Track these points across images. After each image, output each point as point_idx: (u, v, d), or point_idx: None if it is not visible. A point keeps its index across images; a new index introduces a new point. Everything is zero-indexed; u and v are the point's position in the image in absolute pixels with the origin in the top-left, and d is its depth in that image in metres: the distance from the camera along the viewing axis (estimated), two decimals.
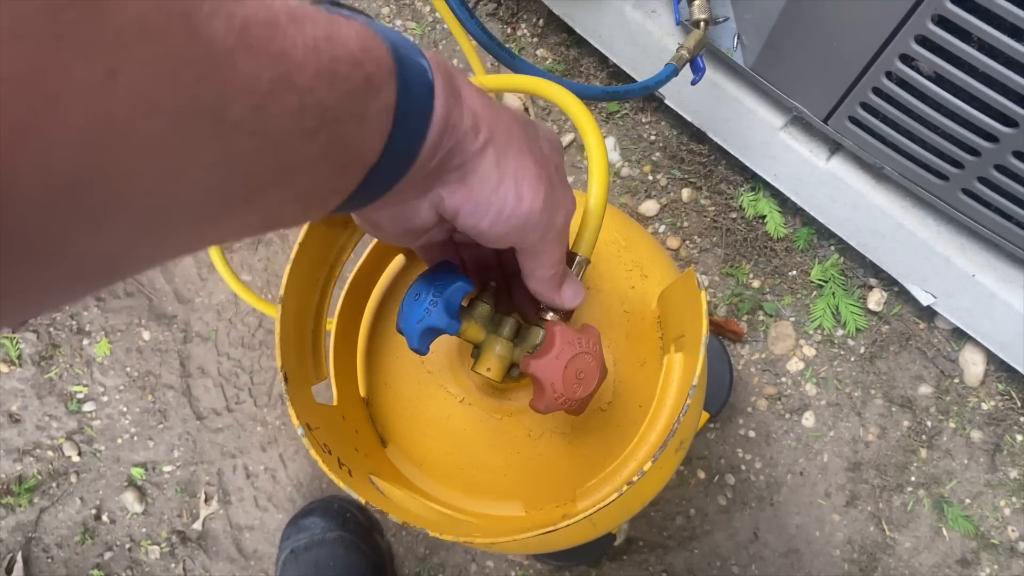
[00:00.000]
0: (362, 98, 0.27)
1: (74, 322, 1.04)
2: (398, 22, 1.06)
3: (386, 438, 0.58)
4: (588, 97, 0.74)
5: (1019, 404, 0.94)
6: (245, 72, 0.22)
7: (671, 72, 0.78)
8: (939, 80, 0.72)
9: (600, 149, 0.48)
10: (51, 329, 1.04)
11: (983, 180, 0.77)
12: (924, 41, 0.69)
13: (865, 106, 0.80)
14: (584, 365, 0.45)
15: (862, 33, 0.73)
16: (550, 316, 0.46)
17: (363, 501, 0.42)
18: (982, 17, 0.64)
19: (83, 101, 0.17)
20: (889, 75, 0.75)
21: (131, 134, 0.18)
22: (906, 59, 0.72)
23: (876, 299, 0.97)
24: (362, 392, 0.59)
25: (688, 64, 0.81)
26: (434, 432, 0.57)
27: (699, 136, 0.99)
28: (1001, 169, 0.74)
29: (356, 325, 0.59)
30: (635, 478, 0.41)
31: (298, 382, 0.47)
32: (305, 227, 0.48)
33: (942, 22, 0.67)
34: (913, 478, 0.94)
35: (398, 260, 0.60)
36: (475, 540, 0.41)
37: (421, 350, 0.46)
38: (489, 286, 0.48)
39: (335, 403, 0.54)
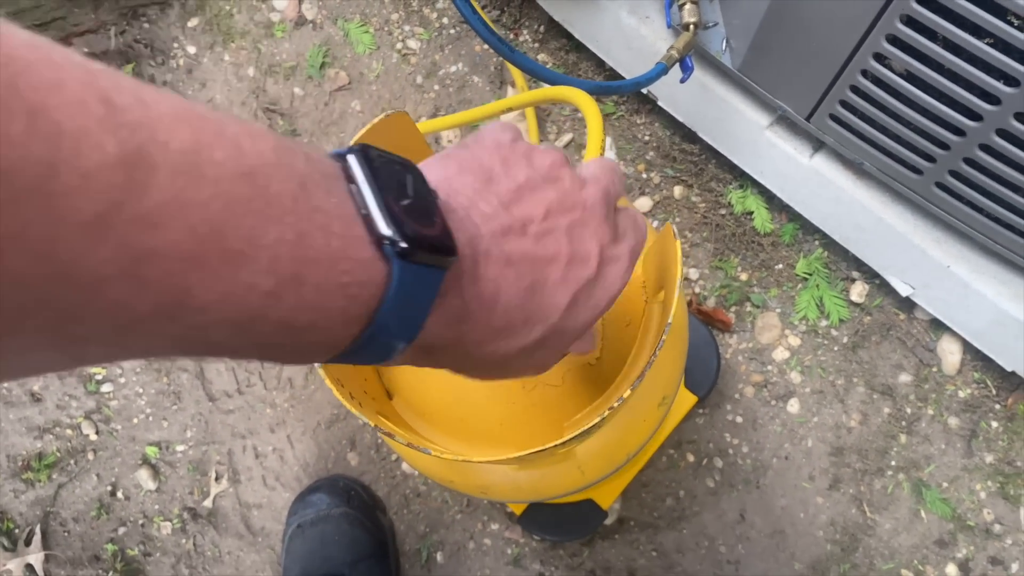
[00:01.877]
0: (331, 329, 0.26)
1: None
2: (407, 28, 1.13)
3: (392, 391, 0.63)
4: (587, 90, 0.80)
5: (994, 392, 0.98)
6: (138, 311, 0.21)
7: (661, 70, 0.84)
8: (910, 77, 0.77)
9: (598, 129, 0.54)
10: None
11: (954, 173, 0.82)
12: (895, 40, 0.75)
13: (844, 104, 0.85)
14: None
15: (838, 33, 0.79)
16: None
17: (372, 424, 0.47)
18: (945, 16, 0.70)
19: None
20: (865, 73, 0.80)
21: None
22: (879, 57, 0.77)
23: (858, 291, 1.01)
24: None
25: (677, 64, 0.87)
26: (437, 385, 0.61)
27: (690, 136, 1.05)
28: (969, 162, 0.80)
29: None
30: (615, 403, 0.45)
31: None
32: None
33: (910, 22, 0.72)
34: (893, 462, 0.99)
35: None
36: (473, 460, 0.46)
37: None
38: None
39: None
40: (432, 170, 0.32)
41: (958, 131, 0.77)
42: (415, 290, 0.27)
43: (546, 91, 0.65)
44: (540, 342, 0.34)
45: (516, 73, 1.07)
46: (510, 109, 0.73)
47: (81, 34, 1.09)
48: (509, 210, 0.32)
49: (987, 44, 0.69)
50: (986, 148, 0.77)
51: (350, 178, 0.27)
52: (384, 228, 0.26)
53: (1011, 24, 0.65)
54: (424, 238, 0.27)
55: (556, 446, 0.46)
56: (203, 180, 0.21)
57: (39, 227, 0.18)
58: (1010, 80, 0.69)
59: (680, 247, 0.47)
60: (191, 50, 1.14)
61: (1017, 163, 0.75)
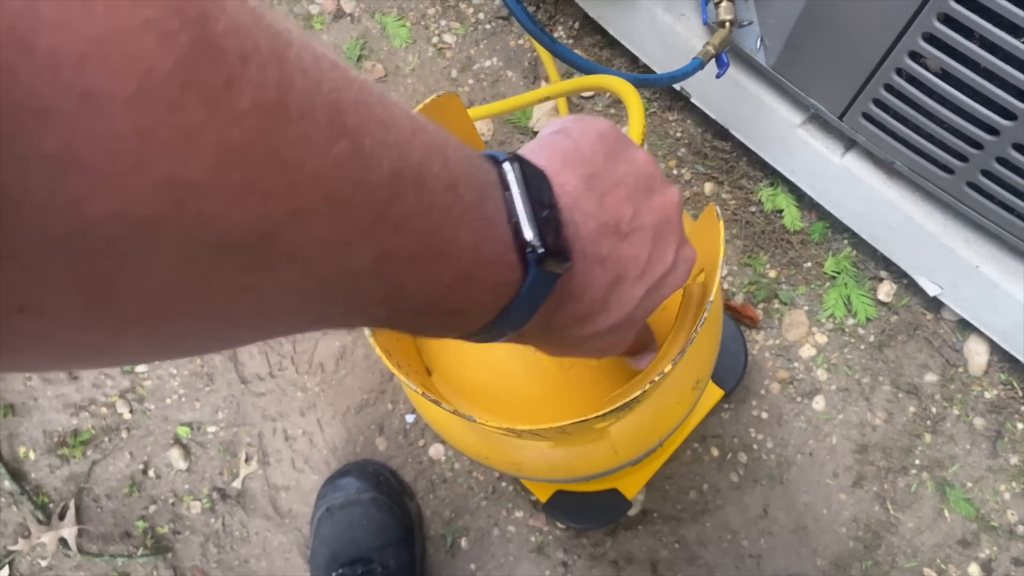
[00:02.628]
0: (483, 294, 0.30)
1: None
2: (443, 22, 1.15)
3: (431, 368, 0.64)
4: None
5: (1020, 394, 0.99)
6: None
7: (697, 65, 0.85)
8: (945, 76, 0.78)
9: (639, 117, 0.55)
10: None
11: (986, 173, 0.83)
12: (931, 39, 0.75)
13: (877, 102, 0.86)
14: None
15: (874, 32, 0.80)
16: None
17: (420, 391, 0.49)
18: (983, 15, 0.71)
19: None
20: (900, 72, 0.81)
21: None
22: (915, 56, 0.78)
23: (886, 290, 1.02)
24: None
25: (713, 59, 0.88)
26: (475, 363, 0.63)
27: (722, 133, 1.06)
28: (1002, 162, 0.80)
29: None
30: (656, 377, 0.47)
31: None
32: None
33: (947, 20, 0.73)
34: (917, 461, 0.99)
35: None
36: (516, 427, 0.47)
37: None
38: None
39: None
40: (538, 158, 0.33)
41: (992, 130, 0.78)
42: (537, 291, 0.31)
43: (588, 79, 0.67)
44: (613, 328, 0.37)
45: (551, 68, 1.09)
46: (550, 97, 0.75)
47: None
48: (605, 207, 0.34)
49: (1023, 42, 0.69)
50: (1019, 148, 0.77)
51: (505, 185, 0.29)
52: (531, 237, 0.29)
53: None
54: (555, 247, 0.30)
55: (597, 417, 0.47)
56: (427, 191, 0.25)
57: (334, 233, 0.22)
58: None
59: (723, 228, 0.49)
60: None
61: None
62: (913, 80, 0.81)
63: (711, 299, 0.48)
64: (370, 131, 0.22)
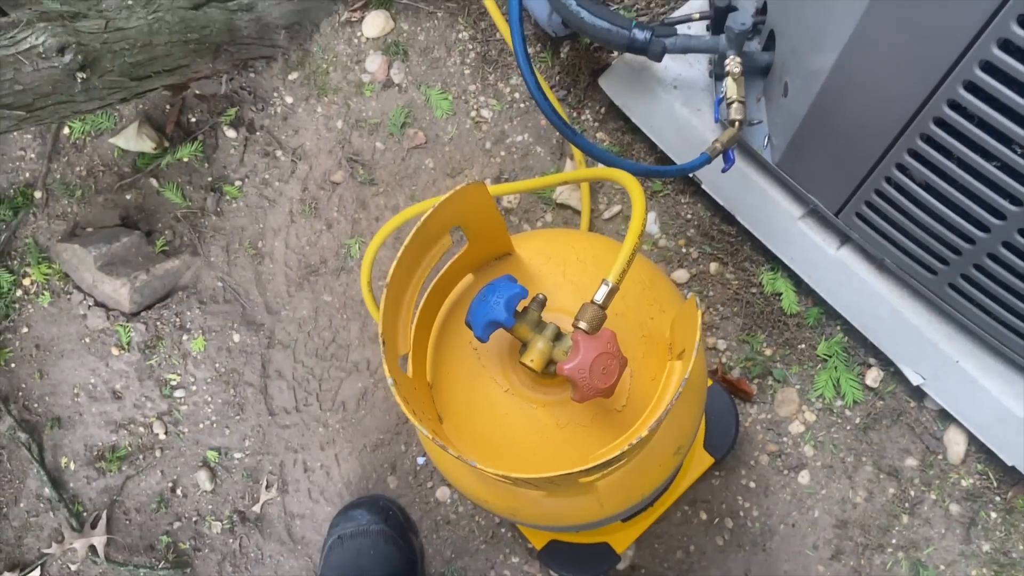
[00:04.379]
0: None
1: (178, 319, 1.21)
2: (482, 98, 1.25)
3: (442, 416, 0.72)
4: (636, 172, 0.91)
5: (995, 484, 1.04)
6: None
7: (704, 160, 0.95)
8: (928, 188, 0.86)
9: (640, 209, 0.64)
10: (158, 323, 1.21)
11: (965, 277, 0.91)
12: (915, 154, 0.84)
13: (870, 204, 0.95)
14: (606, 361, 0.60)
15: (867, 143, 0.88)
16: (581, 324, 0.61)
17: (431, 436, 0.57)
18: (960, 139, 0.79)
19: None
20: (889, 180, 0.89)
21: None
22: (902, 168, 0.87)
23: (873, 376, 1.09)
24: (428, 378, 0.74)
25: (721, 155, 0.97)
26: (481, 415, 0.71)
27: (729, 219, 1.15)
28: (979, 268, 0.88)
29: (430, 324, 0.74)
30: (634, 440, 0.54)
31: (391, 349, 0.62)
32: (406, 241, 0.64)
33: (929, 140, 0.82)
34: (894, 540, 1.05)
35: (467, 279, 0.76)
36: (510, 475, 0.55)
37: (483, 338, 0.62)
38: (537, 297, 0.64)
39: (410, 375, 0.69)
40: None
41: (969, 239, 0.86)
42: None
43: (599, 170, 0.76)
44: None
45: (576, 150, 1.19)
46: (566, 182, 0.84)
47: (198, 79, 1.23)
48: None
49: (995, 167, 0.77)
50: (994, 257, 0.85)
51: None
52: None
53: (1015, 152, 0.74)
54: None
55: (582, 471, 0.55)
56: None
57: None
58: (1015, 200, 0.77)
59: (701, 316, 0.57)
60: (288, 100, 1.28)
61: (1021, 274, 0.84)
62: (900, 188, 0.89)
63: (686, 375, 0.56)
64: None
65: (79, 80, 0.94)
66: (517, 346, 0.67)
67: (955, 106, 0.75)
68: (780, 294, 1.13)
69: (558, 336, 0.63)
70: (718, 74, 1.05)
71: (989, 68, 0.69)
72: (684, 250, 1.17)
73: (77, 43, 0.93)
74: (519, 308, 0.63)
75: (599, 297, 0.62)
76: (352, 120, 1.26)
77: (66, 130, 1.29)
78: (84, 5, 1.29)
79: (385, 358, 0.60)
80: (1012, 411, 0.97)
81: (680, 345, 0.65)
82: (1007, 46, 0.67)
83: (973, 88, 0.72)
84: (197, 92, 1.27)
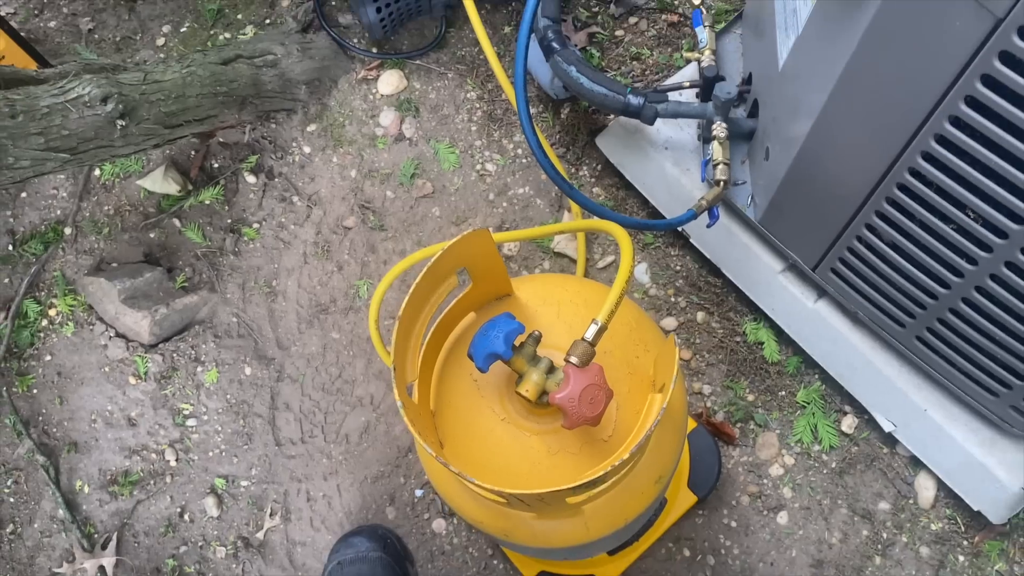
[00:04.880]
0: None
1: (194, 352, 1.28)
2: (487, 153, 1.34)
3: (443, 442, 0.79)
4: (626, 224, 0.98)
5: (963, 528, 1.10)
6: None
7: (691, 216, 1.03)
8: (894, 247, 0.94)
9: (628, 257, 0.72)
10: (175, 355, 1.28)
11: (930, 330, 0.98)
12: (881, 216, 0.92)
13: (843, 261, 1.02)
14: (594, 392, 0.67)
15: (838, 206, 0.96)
16: (572, 358, 0.68)
17: (435, 455, 0.64)
18: (920, 203, 0.87)
19: None
20: (859, 239, 0.97)
21: None
22: (870, 228, 0.95)
23: (848, 423, 1.16)
24: (431, 406, 0.80)
25: (706, 212, 1.05)
26: (479, 441, 0.78)
27: (715, 271, 1.22)
28: (942, 322, 0.95)
29: (435, 357, 0.81)
30: (616, 463, 0.61)
31: (400, 376, 0.69)
32: (417, 279, 0.71)
33: (893, 203, 0.90)
34: None
35: (470, 316, 0.83)
36: (505, 490, 0.62)
37: (483, 368, 0.69)
38: (533, 334, 0.71)
39: (416, 401, 0.76)
40: None
41: (932, 295, 0.93)
42: None
43: (591, 221, 0.84)
44: None
45: (574, 204, 1.27)
46: (563, 232, 0.92)
47: (224, 128, 1.32)
48: None
49: (952, 229, 0.85)
50: (955, 312, 0.92)
51: None
52: None
53: (968, 216, 0.82)
54: None
55: (570, 489, 0.62)
56: None
57: None
58: (970, 260, 0.85)
59: (678, 353, 0.64)
60: (306, 150, 1.37)
61: (980, 328, 0.91)
62: (870, 247, 0.97)
63: (663, 406, 0.63)
64: None
65: (119, 127, 1.03)
66: (514, 378, 0.74)
67: (915, 173, 0.83)
68: (762, 343, 1.20)
69: (551, 369, 0.70)
70: (706, 137, 1.14)
71: (943, 141, 0.77)
72: (673, 299, 1.24)
73: (119, 94, 1.02)
74: (516, 343, 0.70)
75: (589, 335, 0.69)
76: (365, 170, 1.35)
77: (97, 172, 1.38)
78: (119, 57, 1.39)
79: (395, 384, 0.67)
80: (976, 458, 1.04)
81: (661, 379, 0.72)
82: (957, 123, 0.75)
83: (930, 158, 0.80)
84: (221, 140, 1.36)
